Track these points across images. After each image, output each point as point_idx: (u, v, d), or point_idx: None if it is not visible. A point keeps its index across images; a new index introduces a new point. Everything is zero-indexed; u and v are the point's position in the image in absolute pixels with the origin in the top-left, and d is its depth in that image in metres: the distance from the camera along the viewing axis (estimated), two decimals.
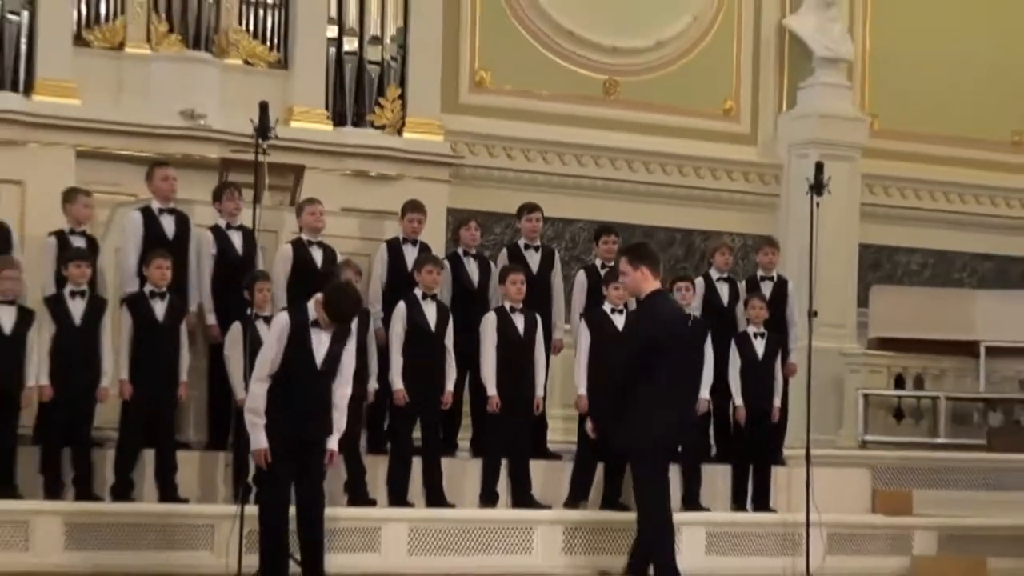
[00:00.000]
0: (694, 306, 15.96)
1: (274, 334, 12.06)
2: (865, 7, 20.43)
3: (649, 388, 12.96)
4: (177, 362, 14.66)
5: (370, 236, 16.40)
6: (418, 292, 15.13)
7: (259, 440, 11.82)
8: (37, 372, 14.09)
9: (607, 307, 15.19)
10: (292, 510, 12.11)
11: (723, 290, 16.76)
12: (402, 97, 17.79)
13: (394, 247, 15.98)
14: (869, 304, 19.52)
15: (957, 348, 19.21)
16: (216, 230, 15.35)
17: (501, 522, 15.20)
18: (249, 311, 14.02)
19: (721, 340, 16.03)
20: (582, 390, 14.98)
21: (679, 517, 14.78)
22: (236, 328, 14.50)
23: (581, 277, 16.39)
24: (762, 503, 16.21)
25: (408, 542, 14.57)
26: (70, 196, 15.13)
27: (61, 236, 14.90)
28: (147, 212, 15.25)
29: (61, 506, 13.96)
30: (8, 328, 14.06)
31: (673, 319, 13.51)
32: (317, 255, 15.35)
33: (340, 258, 15.25)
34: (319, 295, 12.03)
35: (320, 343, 11.91)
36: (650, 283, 13.17)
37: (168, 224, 15.22)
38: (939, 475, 17.66)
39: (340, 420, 12.30)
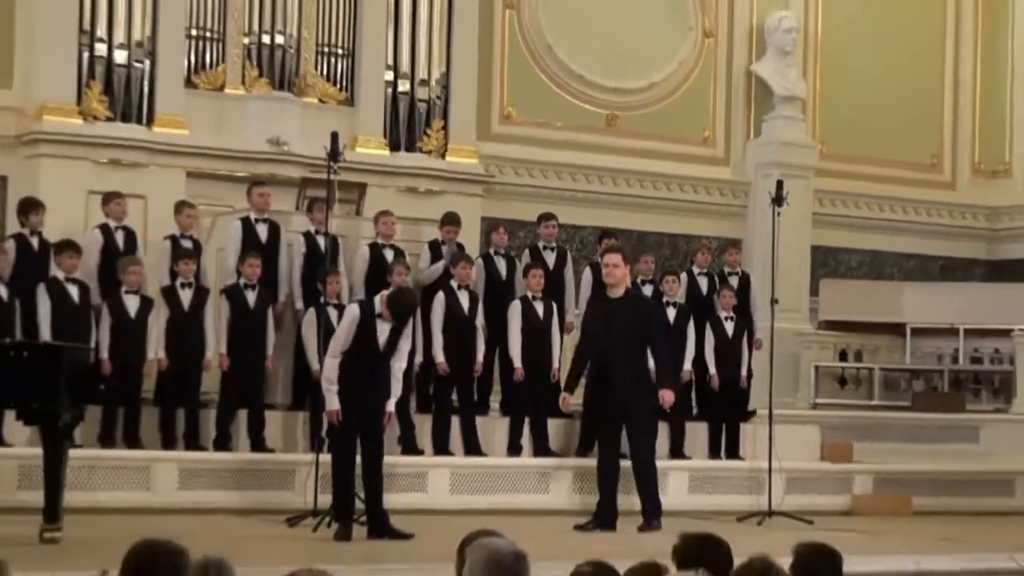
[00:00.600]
0: (679, 295, 16.11)
1: (346, 321, 12.44)
2: (816, 56, 20.41)
3: (644, 361, 13.49)
4: (265, 340, 14.90)
5: (417, 239, 16.48)
6: (454, 283, 15.30)
7: (332, 403, 12.20)
8: (156, 347, 14.43)
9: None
10: (357, 459, 12.31)
11: (703, 283, 16.89)
12: (445, 128, 17.83)
13: (435, 248, 16.13)
14: (819, 294, 19.60)
15: (888, 329, 19.34)
16: (307, 235, 15.50)
17: (524, 468, 15.39)
18: (322, 299, 14.17)
19: (700, 323, 16.19)
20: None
21: (667, 464, 15.27)
22: (311, 313, 14.75)
23: (587, 273, 16.47)
24: (733, 453, 16.42)
25: (450, 484, 14.76)
26: (178, 208, 15.39)
27: (173, 240, 15.13)
28: (246, 221, 15.46)
29: (174, 455, 14.25)
30: (133, 313, 14.41)
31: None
32: (388, 255, 15.45)
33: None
34: (385, 293, 12.44)
35: (382, 332, 12.24)
36: (628, 280, 13.87)
37: (262, 231, 15.44)
38: (874, 430, 17.78)
39: (396, 387, 12.65)
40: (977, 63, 21.66)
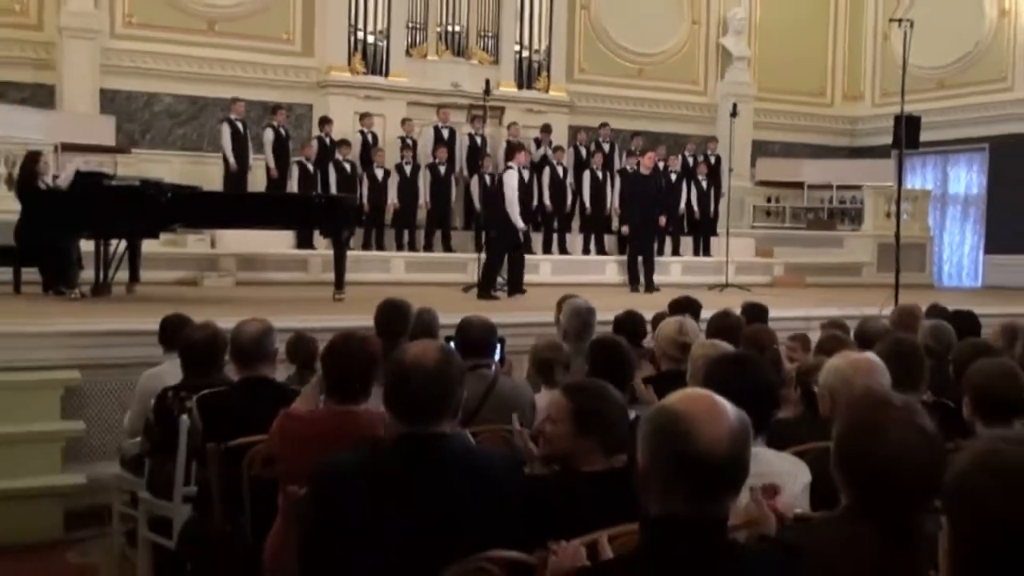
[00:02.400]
0: (677, 167, 16.00)
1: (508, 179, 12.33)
2: (755, 33, 19.75)
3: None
4: (450, 192, 15.15)
5: (529, 137, 16.38)
6: (553, 160, 15.40)
7: (519, 223, 12.26)
8: (392, 197, 14.47)
9: (628, 168, 15.46)
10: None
11: (690, 160, 16.63)
12: (548, 76, 17.49)
13: (537, 142, 16.21)
14: (756, 165, 19.17)
15: (794, 185, 18.82)
16: (470, 135, 15.62)
17: (592, 260, 15.46)
18: (480, 171, 14.43)
19: (688, 182, 16.13)
20: (616, 206, 15.35)
21: (671, 259, 15.62)
22: (475, 178, 15.04)
23: (625, 156, 16.36)
24: (707, 252, 16.34)
25: (551, 269, 14.79)
26: (403, 122, 15.35)
27: (402, 139, 15.11)
28: (436, 128, 15.55)
29: (402, 254, 14.53)
30: (380, 178, 14.70)
31: None
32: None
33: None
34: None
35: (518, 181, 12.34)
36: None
37: (445, 133, 15.54)
38: (785, 240, 17.51)
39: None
40: (847, 35, 21.01)
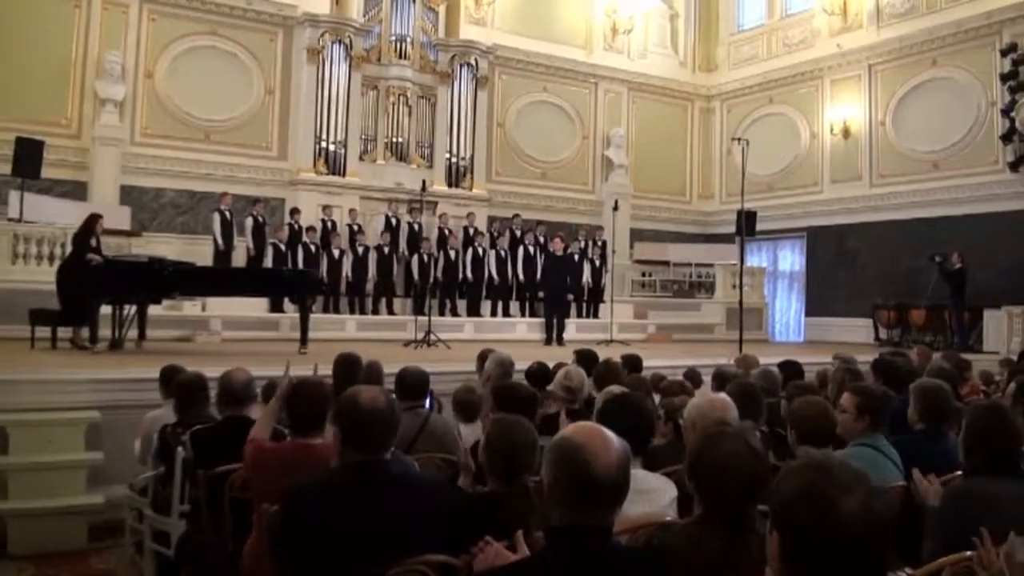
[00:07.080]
0: (573, 250, 15.79)
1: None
2: (632, 148, 20.14)
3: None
4: (392, 267, 14.53)
5: (458, 224, 16.34)
6: (483, 243, 15.08)
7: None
8: (347, 271, 14.11)
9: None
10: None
11: (583, 243, 16.62)
12: (472, 177, 17.56)
13: (465, 229, 16.01)
14: (633, 247, 19.35)
15: (663, 263, 18.91)
16: (409, 224, 15.59)
17: (504, 321, 15.01)
18: (420, 252, 13.84)
19: (582, 264, 15.87)
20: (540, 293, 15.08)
21: (570, 321, 14.83)
22: (415, 257, 14.56)
23: (531, 236, 16.22)
24: (595, 315, 16.13)
25: (473, 329, 14.44)
26: (350, 213, 15.38)
27: (350, 226, 14.83)
28: (386, 217, 15.47)
29: (355, 317, 14.03)
30: (337, 256, 14.19)
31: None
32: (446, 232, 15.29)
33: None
34: None
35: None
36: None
37: (393, 221, 15.45)
38: (657, 306, 17.56)
39: None
40: (700, 149, 21.45)
